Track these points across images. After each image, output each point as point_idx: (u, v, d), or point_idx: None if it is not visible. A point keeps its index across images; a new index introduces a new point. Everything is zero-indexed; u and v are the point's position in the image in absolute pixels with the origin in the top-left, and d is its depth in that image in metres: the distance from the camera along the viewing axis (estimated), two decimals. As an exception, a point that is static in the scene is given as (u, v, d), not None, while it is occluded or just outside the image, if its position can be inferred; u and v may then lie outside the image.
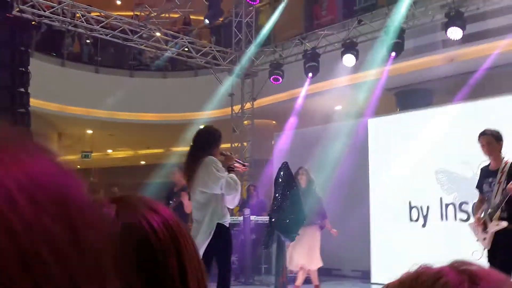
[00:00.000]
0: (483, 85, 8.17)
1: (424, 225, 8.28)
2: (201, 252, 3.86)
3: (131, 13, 10.06)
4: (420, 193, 8.30)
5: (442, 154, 8.03)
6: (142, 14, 9.79)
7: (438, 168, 8.12)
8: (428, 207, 8.23)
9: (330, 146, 9.21)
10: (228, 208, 4.46)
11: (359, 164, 8.83)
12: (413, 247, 8.15)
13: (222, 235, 4.21)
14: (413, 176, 8.35)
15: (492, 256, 4.54)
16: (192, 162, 4.30)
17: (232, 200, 4.37)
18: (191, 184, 4.32)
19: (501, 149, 4.63)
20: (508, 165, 4.51)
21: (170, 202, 6.97)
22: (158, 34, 10.22)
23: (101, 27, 9.59)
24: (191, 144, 4.47)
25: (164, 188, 7.63)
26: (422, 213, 8.30)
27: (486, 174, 4.70)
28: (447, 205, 7.99)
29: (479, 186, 4.77)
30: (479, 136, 4.71)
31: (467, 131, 7.80)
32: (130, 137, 14.68)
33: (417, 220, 8.35)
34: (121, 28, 9.76)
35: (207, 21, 8.83)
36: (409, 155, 8.42)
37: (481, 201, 4.76)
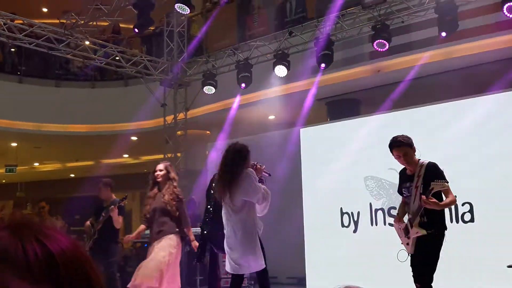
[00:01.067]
0: (407, 95, 8.53)
1: (355, 231, 8.50)
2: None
3: (58, 21, 9.72)
4: (350, 200, 8.52)
5: (370, 162, 8.30)
6: (69, 22, 9.47)
7: (367, 175, 8.39)
8: (358, 213, 8.47)
9: (263, 156, 9.28)
10: None
11: (292, 173, 8.96)
12: (346, 253, 8.35)
13: None
14: (344, 183, 8.57)
15: (414, 259, 4.60)
16: (232, 176, 4.80)
17: (264, 209, 4.93)
18: (227, 196, 4.80)
19: (414, 153, 4.66)
20: (423, 168, 4.52)
21: (101, 215, 6.75)
22: (87, 42, 9.92)
23: (24, 35, 9.20)
24: (226, 159, 4.95)
25: (94, 202, 7.37)
26: (353, 219, 8.53)
27: (404, 178, 4.69)
28: (376, 210, 8.26)
29: (400, 191, 4.77)
30: (392, 148, 4.64)
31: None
32: (58, 149, 14.14)
33: (348, 225, 8.56)
34: (46, 37, 9.40)
35: (136, 30, 8.67)
36: (339, 162, 8.65)
37: (404, 202, 4.77)
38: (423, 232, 4.38)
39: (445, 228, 4.53)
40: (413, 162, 4.62)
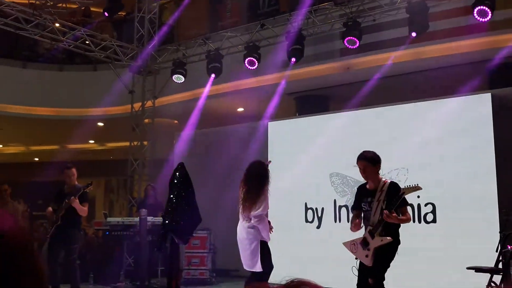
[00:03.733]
0: (376, 93, 8.59)
1: (318, 227, 8.55)
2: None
3: (27, 1, 9.43)
4: (315, 195, 8.56)
5: (336, 158, 8.35)
6: (38, 2, 9.21)
7: (332, 171, 8.43)
8: (323, 209, 8.51)
9: (230, 148, 9.25)
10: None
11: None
12: (309, 248, 8.39)
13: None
14: (309, 178, 8.60)
15: (362, 267, 4.70)
16: (253, 193, 5.32)
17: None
18: (248, 209, 5.31)
19: (378, 171, 4.74)
20: (387, 184, 4.66)
21: (64, 201, 6.60)
22: (57, 24, 9.68)
23: (-9, 14, 8.93)
24: (249, 176, 5.44)
25: (56, 187, 7.21)
26: (317, 215, 8.57)
27: (364, 193, 4.79)
28: (340, 207, 8.31)
29: (358, 205, 4.82)
30: (357, 160, 4.79)
31: (360, 136, 8.19)
32: (22, 132, 13.79)
33: (312, 221, 8.60)
34: (14, 16, 9.12)
35: (106, 13, 8.48)
36: (306, 158, 8.67)
37: (357, 215, 4.85)
38: (389, 239, 4.48)
39: (399, 241, 4.67)
40: (374, 178, 4.73)
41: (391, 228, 4.59)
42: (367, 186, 4.80)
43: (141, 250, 8.28)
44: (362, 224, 4.81)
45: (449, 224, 7.27)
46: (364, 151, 4.83)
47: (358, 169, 4.78)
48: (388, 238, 4.52)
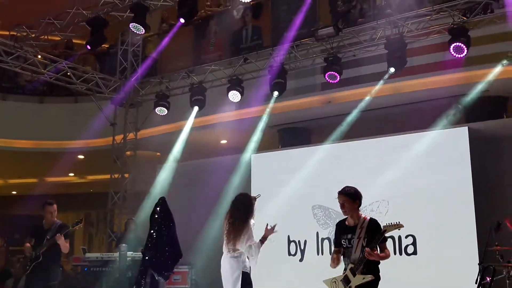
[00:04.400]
0: (356, 126, 8.71)
1: (301, 260, 8.51)
2: None
3: (8, 33, 9.44)
4: (298, 228, 8.54)
5: (318, 190, 8.39)
6: (19, 35, 9.23)
7: (314, 203, 8.45)
8: (305, 242, 8.49)
9: (213, 180, 9.23)
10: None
11: (241, 199, 8.89)
12: (292, 281, 8.33)
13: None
14: (292, 211, 8.59)
15: None
16: (239, 225, 5.37)
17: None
18: (233, 241, 5.37)
19: (357, 207, 4.75)
20: (366, 221, 4.66)
21: (46, 238, 6.44)
22: (38, 57, 9.69)
23: (-29, 46, 8.92)
24: (235, 208, 5.52)
25: (34, 223, 7.05)
26: (300, 248, 8.54)
27: (344, 230, 4.77)
28: (323, 240, 8.31)
29: (339, 242, 4.80)
30: (338, 194, 4.79)
31: (341, 168, 8.27)
32: (0, 164, 13.58)
33: (295, 254, 8.57)
34: (-6, 48, 9.13)
35: (88, 47, 8.53)
36: (288, 190, 8.69)
37: (337, 252, 4.83)
38: (369, 277, 4.49)
39: (380, 277, 4.68)
40: (353, 213, 4.74)
41: (372, 265, 4.58)
42: (346, 223, 4.79)
43: (121, 286, 8.11)
44: (341, 260, 4.80)
45: (430, 256, 7.31)
46: (346, 186, 4.83)
47: (339, 204, 4.77)
48: (370, 276, 4.51)
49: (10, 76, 11.86)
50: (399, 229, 4.61)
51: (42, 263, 6.38)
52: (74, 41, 11.91)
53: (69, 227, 6.49)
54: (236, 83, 8.93)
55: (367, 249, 4.45)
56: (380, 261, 4.62)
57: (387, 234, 4.61)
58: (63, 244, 6.37)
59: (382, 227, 4.58)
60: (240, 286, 5.30)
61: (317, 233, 8.36)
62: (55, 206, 6.71)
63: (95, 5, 8.54)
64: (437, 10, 7.42)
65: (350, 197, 4.73)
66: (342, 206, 4.75)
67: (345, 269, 4.69)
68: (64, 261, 10.92)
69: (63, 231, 6.36)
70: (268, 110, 9.08)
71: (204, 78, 9.55)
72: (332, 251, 4.96)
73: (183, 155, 10.16)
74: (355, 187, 4.84)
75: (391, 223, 4.59)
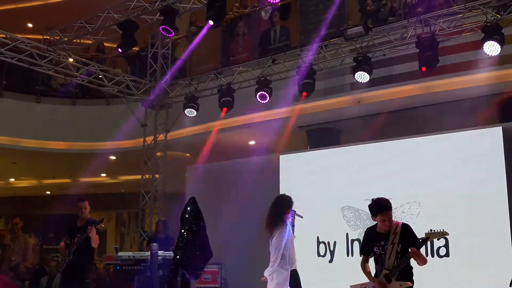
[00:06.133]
0: (387, 127, 8.62)
1: (331, 261, 8.47)
2: None
3: (42, 37, 9.68)
4: (327, 229, 8.50)
5: (348, 191, 8.32)
6: (52, 38, 9.44)
7: (344, 205, 8.39)
8: (335, 243, 8.44)
9: (242, 181, 9.25)
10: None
11: (270, 199, 8.89)
12: (321, 282, 8.28)
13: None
14: (321, 212, 8.55)
15: None
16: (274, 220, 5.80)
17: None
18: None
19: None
20: (399, 226, 4.60)
21: (77, 236, 6.62)
22: (70, 60, 9.89)
23: (7, 49, 9.15)
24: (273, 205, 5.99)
25: (68, 221, 7.23)
26: (329, 249, 8.50)
27: (375, 237, 4.70)
28: (352, 241, 8.25)
29: (370, 249, 4.72)
30: (378, 213, 4.61)
31: (371, 169, 8.18)
32: (35, 165, 13.92)
33: (324, 255, 8.53)
34: (28, 52, 9.35)
35: (119, 50, 8.67)
36: (317, 191, 8.66)
37: (366, 261, 4.79)
38: (407, 284, 4.44)
39: (413, 282, 4.63)
40: (392, 222, 4.67)
41: (407, 272, 4.53)
42: (377, 229, 4.70)
43: (152, 285, 8.21)
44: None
45: (462, 258, 7.18)
46: (378, 203, 4.65)
47: (381, 221, 4.63)
48: (408, 283, 4.47)
49: (44, 79, 12.14)
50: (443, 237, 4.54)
51: (73, 262, 6.53)
52: (105, 44, 12.12)
53: (98, 223, 6.62)
54: (264, 84, 8.93)
55: (413, 249, 4.36)
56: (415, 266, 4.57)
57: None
58: (94, 237, 6.49)
59: (425, 234, 4.49)
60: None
61: (347, 234, 8.30)
62: (86, 202, 6.89)
63: (126, 9, 8.66)
64: (469, 8, 7.26)
65: (391, 209, 4.66)
66: (389, 219, 4.61)
67: (376, 275, 4.63)
68: (96, 259, 11.16)
69: (92, 225, 6.50)
70: (296, 111, 9.05)
71: (232, 80, 9.58)
72: (361, 260, 4.86)
73: (212, 155, 10.22)
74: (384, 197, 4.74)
75: (436, 230, 4.51)
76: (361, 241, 6.18)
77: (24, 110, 11.64)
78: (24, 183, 16.34)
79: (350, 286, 4.83)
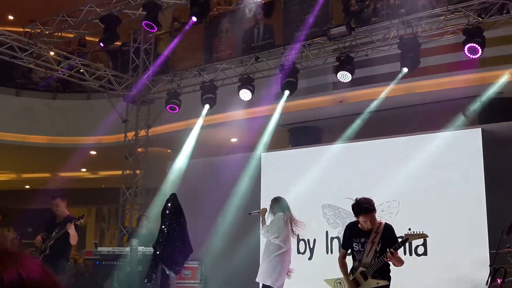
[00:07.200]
0: (368, 126, 8.68)
1: (310, 258, 8.51)
2: None
3: (22, 30, 9.54)
4: (307, 227, 8.52)
5: (328, 190, 8.38)
6: (33, 31, 9.32)
7: (324, 203, 8.44)
8: (314, 240, 8.48)
9: (223, 178, 9.25)
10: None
11: (251, 197, 8.93)
12: (301, 280, 8.32)
13: None
14: (302, 209, 8.55)
15: None
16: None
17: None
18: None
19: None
20: (382, 226, 4.62)
21: (55, 231, 6.54)
22: (52, 53, 9.77)
23: (-15, 41, 9.03)
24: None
25: (47, 216, 7.15)
26: (309, 246, 8.54)
27: (357, 233, 4.71)
28: (332, 239, 8.31)
29: (349, 245, 4.75)
30: (360, 214, 4.62)
31: (352, 168, 8.25)
32: (14, 159, 13.73)
33: (304, 252, 8.57)
34: (8, 45, 9.22)
35: (101, 44, 8.60)
36: (298, 189, 8.68)
37: (344, 255, 4.82)
38: (384, 282, 4.47)
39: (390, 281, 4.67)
40: (374, 221, 4.67)
41: (385, 270, 4.57)
42: (359, 226, 4.71)
43: (132, 280, 8.18)
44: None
45: (440, 257, 7.27)
46: (361, 203, 4.65)
47: (363, 222, 4.64)
48: (384, 281, 4.50)
49: (24, 72, 11.98)
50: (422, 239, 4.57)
51: (49, 256, 6.45)
52: (87, 38, 12.00)
53: (78, 219, 6.56)
54: (247, 82, 8.93)
55: (391, 249, 4.38)
56: (392, 265, 4.61)
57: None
58: (72, 233, 6.43)
59: (404, 235, 4.53)
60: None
61: (327, 232, 8.35)
62: (59, 199, 6.75)
63: (108, 3, 8.59)
64: (451, 10, 7.34)
65: (375, 210, 4.68)
66: (372, 219, 4.62)
67: (352, 272, 4.67)
68: (76, 254, 11.06)
69: (71, 221, 6.43)
70: (279, 109, 9.07)
71: (215, 77, 9.56)
72: (340, 254, 4.91)
73: (194, 152, 10.20)
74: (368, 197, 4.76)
75: (415, 232, 4.55)
76: (341, 237, 6.27)
77: (4, 103, 11.46)
78: (3, 177, 16.12)
79: (325, 280, 4.86)
